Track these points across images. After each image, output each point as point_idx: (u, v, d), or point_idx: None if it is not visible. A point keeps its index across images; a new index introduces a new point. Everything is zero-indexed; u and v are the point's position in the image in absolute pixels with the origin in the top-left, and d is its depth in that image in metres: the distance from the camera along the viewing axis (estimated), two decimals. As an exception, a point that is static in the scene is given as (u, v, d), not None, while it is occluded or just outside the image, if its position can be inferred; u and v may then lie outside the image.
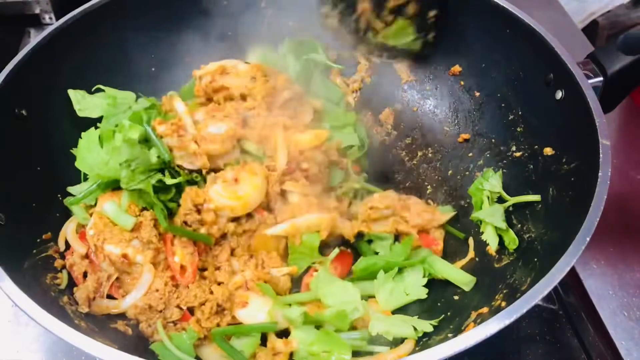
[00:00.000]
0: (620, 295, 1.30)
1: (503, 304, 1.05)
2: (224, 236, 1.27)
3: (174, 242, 1.23)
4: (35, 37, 1.31)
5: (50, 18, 1.99)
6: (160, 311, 1.18)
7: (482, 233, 1.30)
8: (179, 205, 1.25)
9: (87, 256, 1.23)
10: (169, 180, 1.24)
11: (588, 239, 0.96)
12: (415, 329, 1.11)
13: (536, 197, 1.24)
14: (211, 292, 1.19)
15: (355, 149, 1.48)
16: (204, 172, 1.27)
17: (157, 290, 1.19)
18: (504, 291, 1.11)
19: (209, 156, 1.27)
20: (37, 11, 1.97)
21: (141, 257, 1.20)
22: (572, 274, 1.34)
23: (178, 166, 1.27)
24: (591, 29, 2.11)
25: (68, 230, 1.27)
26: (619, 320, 1.27)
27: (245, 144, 1.33)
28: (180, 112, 1.35)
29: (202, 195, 1.22)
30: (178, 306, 1.18)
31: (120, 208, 1.23)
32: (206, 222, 1.22)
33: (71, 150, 1.33)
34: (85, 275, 1.21)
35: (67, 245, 1.26)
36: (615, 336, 1.24)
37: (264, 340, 1.14)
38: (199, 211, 1.22)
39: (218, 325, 1.16)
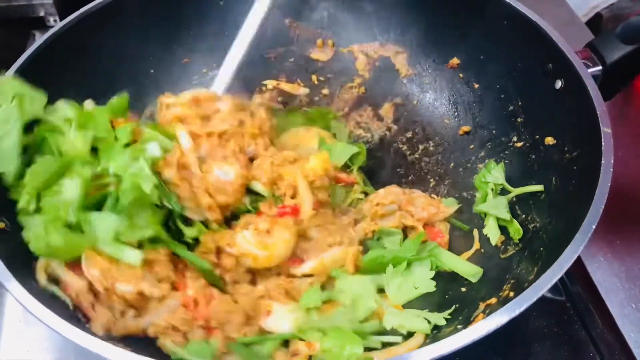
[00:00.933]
0: (628, 287, 1.31)
1: (511, 294, 1.06)
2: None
3: (185, 274, 1.15)
4: (36, 41, 1.31)
5: (55, 20, 1.98)
6: (184, 333, 1.11)
7: (485, 226, 1.31)
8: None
9: (90, 288, 1.08)
10: (189, 232, 1.15)
11: (594, 226, 0.96)
12: (428, 322, 1.11)
13: (539, 187, 1.25)
14: (236, 302, 1.15)
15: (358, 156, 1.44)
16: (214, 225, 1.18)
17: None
18: (511, 281, 1.12)
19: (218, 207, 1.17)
20: (42, 14, 1.97)
21: (157, 290, 1.09)
22: (580, 266, 1.34)
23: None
24: (595, 23, 2.11)
25: (53, 264, 1.08)
26: (627, 312, 1.27)
27: (252, 184, 1.25)
28: (185, 148, 1.19)
29: (227, 239, 1.16)
30: (202, 327, 1.12)
31: (120, 241, 1.06)
32: (224, 267, 1.17)
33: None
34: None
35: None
36: (623, 328, 1.25)
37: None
38: (218, 254, 1.17)
39: (245, 335, 1.12)
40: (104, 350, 0.89)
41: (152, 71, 1.56)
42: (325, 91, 1.66)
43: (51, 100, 1.31)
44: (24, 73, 1.25)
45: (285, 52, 1.69)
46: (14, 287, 0.96)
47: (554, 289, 1.35)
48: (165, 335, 1.10)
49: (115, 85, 1.46)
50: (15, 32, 1.99)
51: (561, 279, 1.31)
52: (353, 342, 1.05)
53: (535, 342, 1.28)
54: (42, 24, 2.01)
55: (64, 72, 1.35)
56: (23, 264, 1.05)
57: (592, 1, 2.10)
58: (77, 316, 1.08)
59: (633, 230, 1.41)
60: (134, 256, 1.06)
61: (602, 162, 1.05)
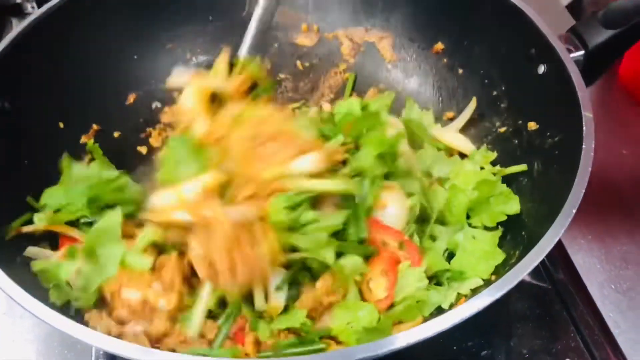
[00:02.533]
0: (608, 269, 1.34)
1: (493, 277, 1.08)
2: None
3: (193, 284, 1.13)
4: (16, 28, 1.29)
5: (33, 7, 1.94)
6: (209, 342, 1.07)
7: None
8: None
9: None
10: None
11: (574, 210, 0.97)
12: None
13: (522, 167, 1.26)
14: None
15: None
16: None
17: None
18: (494, 265, 1.14)
19: None
20: (19, 1, 1.93)
21: (164, 302, 1.06)
22: (560, 249, 1.37)
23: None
24: (576, 6, 2.13)
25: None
26: (607, 293, 1.30)
27: None
28: None
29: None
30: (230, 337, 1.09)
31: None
32: None
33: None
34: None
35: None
36: (602, 308, 1.28)
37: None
38: None
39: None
40: (90, 339, 0.89)
41: (135, 57, 1.54)
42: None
43: (33, 89, 1.31)
44: (4, 61, 1.23)
45: (270, 38, 1.67)
46: (1, 278, 0.95)
47: (535, 271, 1.37)
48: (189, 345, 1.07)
49: (99, 71, 1.46)
50: (-9, 19, 1.94)
51: (542, 262, 1.33)
52: (361, 308, 1.06)
53: (518, 323, 1.30)
54: (19, 11, 1.96)
55: (45, 60, 1.33)
56: (7, 255, 1.05)
57: (573, -15, 2.11)
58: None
59: (613, 213, 1.43)
60: (144, 262, 1.09)
61: (583, 146, 1.06)
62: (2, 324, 1.33)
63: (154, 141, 1.53)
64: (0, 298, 1.35)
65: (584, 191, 0.99)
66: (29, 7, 1.94)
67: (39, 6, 1.35)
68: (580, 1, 2.08)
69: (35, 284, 1.08)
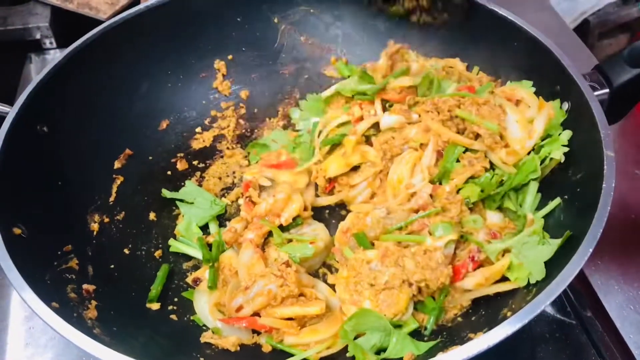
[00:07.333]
0: (626, 289, 1.33)
1: (509, 313, 1.07)
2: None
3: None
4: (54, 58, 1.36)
5: (51, 43, 2.01)
6: None
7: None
8: None
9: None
10: None
11: (591, 249, 0.97)
12: None
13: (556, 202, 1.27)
14: None
15: None
16: None
17: None
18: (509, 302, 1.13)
19: None
20: (38, 37, 1.99)
21: None
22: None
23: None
24: (583, 28, 2.14)
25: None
26: (626, 314, 1.29)
27: None
28: None
29: None
30: None
31: None
32: None
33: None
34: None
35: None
36: (622, 330, 1.26)
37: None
38: None
39: None
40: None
41: (169, 85, 1.60)
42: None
43: (70, 115, 1.38)
44: (42, 88, 1.31)
45: (299, 69, 1.72)
46: (30, 297, 0.99)
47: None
48: None
49: (133, 98, 1.52)
50: (11, 55, 2.00)
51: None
52: None
53: (538, 346, 1.30)
54: (38, 47, 2.02)
55: (81, 87, 1.40)
56: (37, 272, 1.09)
57: (580, 7, 2.11)
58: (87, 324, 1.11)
59: (630, 233, 1.42)
60: None
61: (604, 185, 1.06)
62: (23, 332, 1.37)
63: (180, 166, 1.57)
64: (20, 308, 1.40)
65: (601, 231, 0.99)
66: (47, 42, 2.00)
67: (57, 42, 1.40)
68: (587, 23, 2.08)
69: (62, 302, 1.11)
